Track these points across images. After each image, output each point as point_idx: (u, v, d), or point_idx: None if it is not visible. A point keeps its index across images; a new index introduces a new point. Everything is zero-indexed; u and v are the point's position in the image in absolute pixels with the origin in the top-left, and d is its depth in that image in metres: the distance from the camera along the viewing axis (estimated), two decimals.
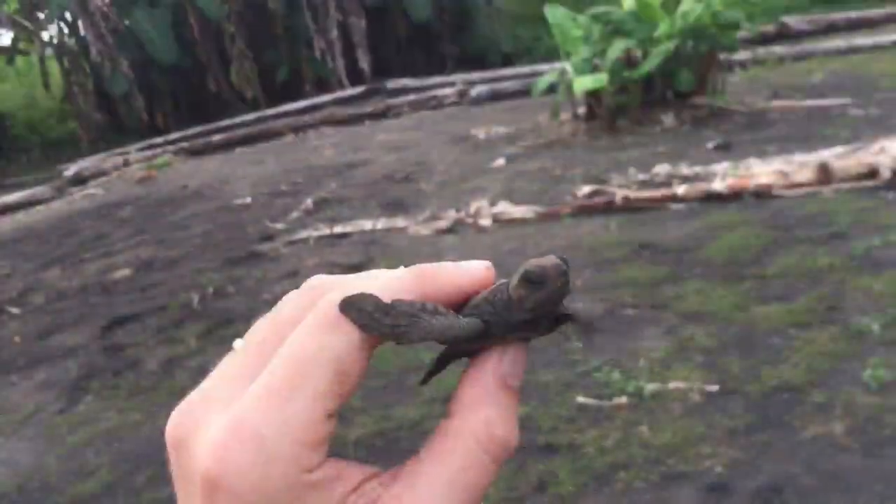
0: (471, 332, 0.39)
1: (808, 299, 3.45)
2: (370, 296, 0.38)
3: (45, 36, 17.28)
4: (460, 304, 0.42)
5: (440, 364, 0.47)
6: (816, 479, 2.34)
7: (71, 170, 12.46)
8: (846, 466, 2.37)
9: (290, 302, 0.41)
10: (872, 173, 4.81)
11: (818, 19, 12.74)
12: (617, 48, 7.50)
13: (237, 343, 0.41)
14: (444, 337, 0.39)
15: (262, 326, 0.41)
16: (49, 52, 17.08)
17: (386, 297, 0.39)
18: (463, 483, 0.38)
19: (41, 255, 7.52)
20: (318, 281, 0.42)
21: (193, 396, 0.39)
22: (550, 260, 0.38)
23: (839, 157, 5.25)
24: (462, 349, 0.43)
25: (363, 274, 0.42)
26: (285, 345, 0.38)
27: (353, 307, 0.38)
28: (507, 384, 0.40)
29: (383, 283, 0.40)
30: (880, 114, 6.61)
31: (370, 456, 2.83)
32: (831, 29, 12.34)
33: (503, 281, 0.41)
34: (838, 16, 12.70)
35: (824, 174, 4.92)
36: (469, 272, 0.42)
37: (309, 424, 0.36)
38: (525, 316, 0.39)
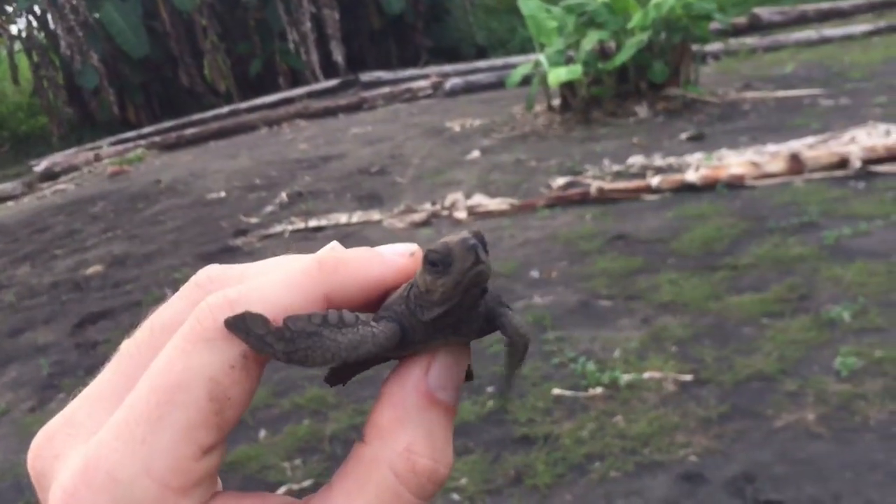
0: (386, 344, 0.33)
1: (780, 289, 3.48)
2: (258, 317, 0.31)
3: (14, 30, 17.02)
4: (379, 300, 0.35)
5: (355, 365, 0.39)
6: (789, 467, 2.36)
7: (41, 165, 12.29)
8: (818, 454, 2.39)
9: (172, 303, 0.34)
10: (843, 163, 4.86)
11: (789, 10, 12.83)
12: (591, 40, 7.51)
13: (124, 345, 0.34)
14: (355, 355, 0.32)
15: (139, 334, 0.34)
16: (18, 45, 16.83)
17: (281, 300, 0.32)
18: None
19: (11, 251, 7.42)
20: (206, 276, 0.35)
21: (55, 422, 0.33)
22: (457, 237, 0.32)
23: (810, 147, 5.30)
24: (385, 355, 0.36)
25: (259, 265, 0.35)
26: (154, 363, 0.31)
27: (240, 328, 0.31)
28: (435, 399, 0.33)
29: (279, 281, 0.33)
30: (850, 104, 6.68)
31: (346, 452, 2.82)
32: (802, 20, 12.44)
33: None
34: (809, 7, 12.80)
35: (796, 164, 4.96)
36: (384, 262, 0.35)
37: (177, 464, 0.30)
38: (438, 311, 0.33)
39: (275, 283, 0.33)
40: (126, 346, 0.34)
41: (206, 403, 0.30)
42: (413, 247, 0.36)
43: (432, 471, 0.33)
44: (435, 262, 0.32)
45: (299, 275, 0.33)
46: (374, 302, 0.35)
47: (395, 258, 0.35)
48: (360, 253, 0.35)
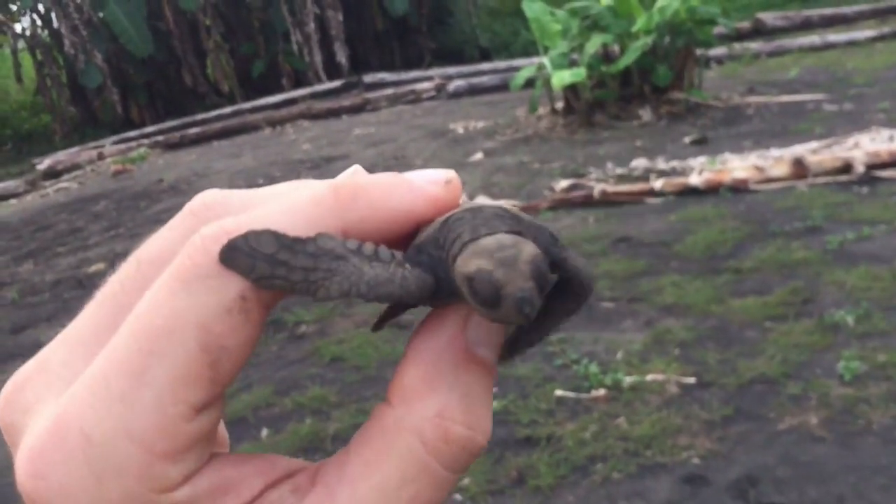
0: (416, 293, 0.27)
1: (784, 292, 3.48)
2: (265, 233, 0.26)
3: (18, 28, 17.05)
4: (406, 237, 0.30)
5: (397, 308, 0.34)
6: (792, 470, 2.35)
7: (44, 163, 12.29)
8: (821, 457, 2.39)
9: (162, 234, 0.30)
10: (846, 168, 4.86)
11: (793, 16, 12.83)
12: (595, 43, 7.51)
13: (109, 282, 0.30)
14: (374, 294, 0.27)
15: (124, 269, 0.29)
16: (21, 44, 16.85)
17: (292, 229, 0.27)
18: (401, 499, 0.28)
19: (14, 249, 7.42)
20: (201, 202, 0.30)
21: (27, 369, 0.29)
22: (514, 276, 0.25)
23: (814, 151, 5.30)
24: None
25: (264, 191, 0.30)
26: (137, 306, 0.27)
27: (240, 257, 0.26)
28: (474, 357, 0.29)
29: (286, 211, 0.28)
30: (854, 109, 6.68)
31: None
32: (806, 25, 12.44)
33: (469, 205, 0.29)
34: (813, 12, 12.80)
35: (799, 169, 4.96)
36: (413, 191, 0.29)
37: (163, 424, 0.25)
38: None
39: (281, 212, 0.28)
40: (110, 282, 0.29)
41: (197, 354, 0.25)
42: (449, 174, 0.30)
43: (467, 439, 0.28)
44: (477, 293, 0.26)
45: (310, 204, 0.28)
46: (401, 239, 0.30)
47: (427, 187, 0.29)
48: (385, 179, 0.29)
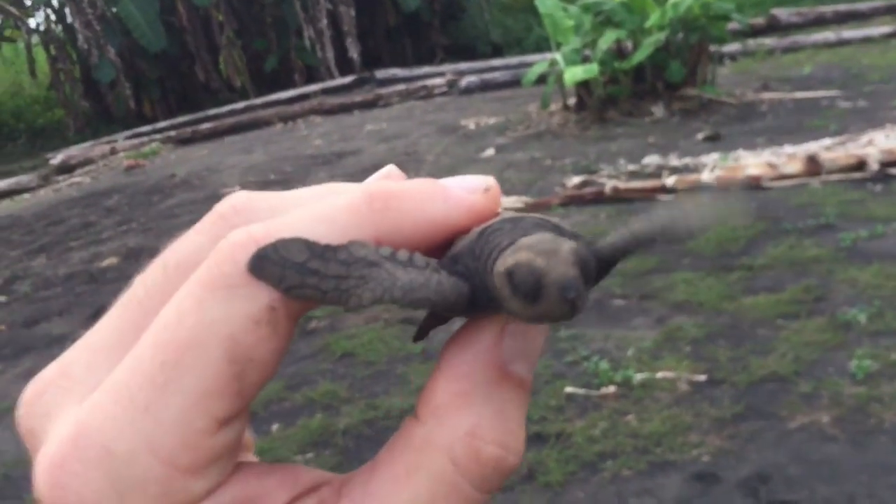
0: (450, 298, 0.26)
1: (796, 290, 3.46)
2: (295, 241, 0.25)
3: (32, 23, 17.14)
4: (442, 246, 0.29)
5: (431, 318, 0.33)
6: (803, 469, 2.35)
7: (57, 158, 12.34)
8: (833, 456, 2.38)
9: (190, 237, 0.28)
10: (860, 165, 4.83)
11: (807, 12, 12.75)
12: (608, 39, 7.48)
13: (135, 284, 0.29)
14: (409, 299, 0.26)
15: (150, 273, 0.28)
16: (35, 39, 16.94)
17: (324, 238, 0.26)
18: None
19: (27, 243, 7.46)
20: (231, 206, 0.28)
21: (48, 372, 0.28)
22: (557, 264, 0.25)
23: (828, 149, 5.27)
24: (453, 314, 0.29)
25: (296, 195, 0.29)
26: (161, 313, 0.26)
27: (270, 266, 0.25)
28: (509, 373, 0.28)
29: (317, 218, 0.27)
30: (868, 106, 6.63)
31: (358, 445, 2.83)
32: (820, 21, 12.35)
33: (509, 215, 0.28)
34: (827, 8, 12.71)
35: (813, 166, 4.93)
36: (450, 199, 0.28)
37: (186, 438, 0.25)
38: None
39: (312, 219, 0.27)
40: (135, 286, 0.28)
41: (223, 366, 0.25)
42: (488, 181, 0.29)
43: (499, 460, 0.27)
44: (518, 288, 0.25)
45: (343, 211, 0.27)
46: (436, 249, 0.29)
47: (465, 195, 0.29)
48: (421, 186, 0.28)
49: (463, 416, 0.27)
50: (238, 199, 0.29)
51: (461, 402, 0.27)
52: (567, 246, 0.25)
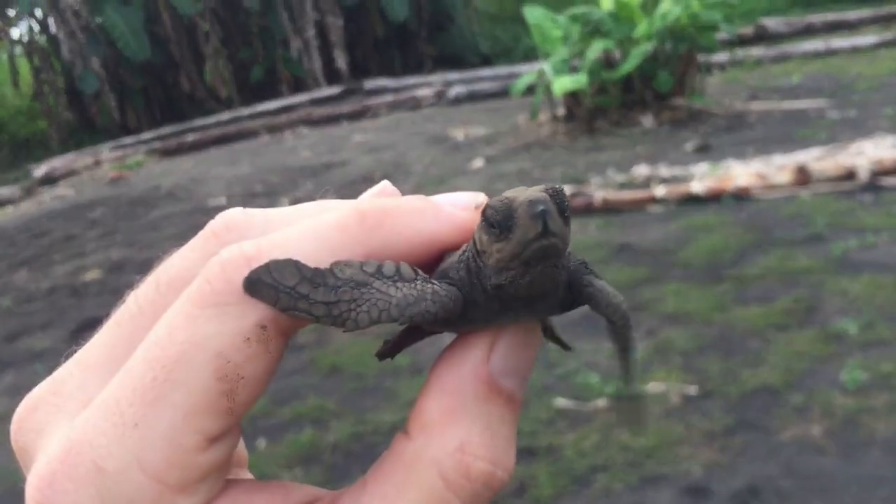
0: (448, 306, 0.26)
1: (787, 301, 3.45)
2: (287, 263, 0.25)
3: (15, 33, 17.05)
4: (433, 262, 0.29)
5: (408, 336, 0.33)
6: (794, 481, 2.33)
7: (41, 170, 12.25)
8: (824, 468, 2.37)
9: (183, 254, 0.29)
10: (850, 175, 4.83)
11: (796, 21, 12.83)
12: (596, 49, 7.49)
13: (127, 301, 0.29)
14: (407, 315, 0.26)
15: (143, 290, 0.28)
16: (18, 49, 16.84)
17: (310, 260, 0.26)
18: None
19: (9, 256, 7.39)
20: (223, 223, 0.29)
21: (41, 389, 0.29)
22: (526, 194, 0.25)
23: (817, 159, 5.27)
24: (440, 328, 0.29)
25: (287, 212, 0.29)
26: (153, 330, 0.26)
27: (263, 286, 0.25)
28: (499, 388, 0.28)
29: (309, 235, 0.27)
30: (857, 116, 6.66)
31: (347, 461, 2.79)
32: (809, 31, 12.43)
33: None
34: (816, 18, 12.79)
35: (802, 176, 4.93)
36: (440, 216, 0.29)
37: (175, 455, 0.25)
38: (500, 280, 0.26)
39: (303, 237, 0.27)
40: (128, 303, 0.28)
41: (212, 384, 0.25)
42: (478, 197, 0.29)
43: (489, 475, 0.27)
44: (492, 222, 0.25)
45: (334, 229, 0.27)
46: (427, 264, 0.29)
47: (455, 212, 0.29)
48: (412, 204, 0.29)
49: (452, 432, 0.27)
50: (231, 216, 0.29)
51: (450, 417, 0.27)
52: (539, 187, 0.26)
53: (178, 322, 0.25)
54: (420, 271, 0.27)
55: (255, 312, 0.25)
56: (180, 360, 0.25)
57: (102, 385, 0.27)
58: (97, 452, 0.25)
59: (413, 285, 0.26)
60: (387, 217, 0.28)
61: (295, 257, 0.26)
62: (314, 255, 0.26)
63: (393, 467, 0.27)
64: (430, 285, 0.26)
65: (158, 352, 0.25)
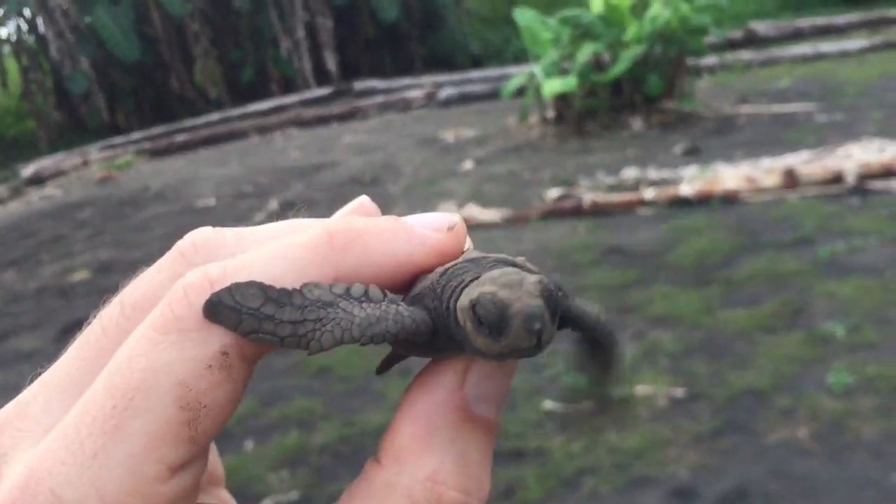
0: (411, 328, 0.26)
1: (774, 304, 3.47)
2: (250, 285, 0.25)
3: (3, 33, 16.97)
4: (405, 285, 0.28)
5: (395, 355, 0.33)
6: (781, 484, 2.34)
7: (29, 170, 12.17)
8: (811, 471, 2.37)
9: (150, 276, 0.28)
10: (838, 179, 4.86)
11: (785, 25, 12.88)
12: (586, 52, 7.51)
13: (92, 324, 0.28)
14: (369, 335, 0.25)
15: (108, 312, 0.28)
16: (7, 49, 16.75)
17: (276, 282, 0.25)
18: None
19: None
20: (191, 243, 0.28)
21: (7, 411, 0.28)
22: (520, 298, 0.24)
23: (805, 162, 5.30)
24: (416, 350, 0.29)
25: (257, 232, 0.29)
26: (115, 356, 0.25)
27: (224, 310, 0.24)
28: (473, 415, 0.27)
29: (276, 257, 0.26)
30: (845, 119, 6.69)
31: (334, 464, 2.78)
32: (798, 35, 12.48)
33: (471, 255, 0.28)
34: (804, 22, 12.85)
35: (791, 179, 4.95)
36: (413, 238, 0.28)
37: (136, 486, 0.24)
38: (476, 348, 0.26)
39: (271, 259, 0.26)
40: (93, 325, 0.28)
41: (174, 412, 0.24)
42: (453, 219, 0.28)
43: None
44: (482, 321, 0.24)
45: (303, 249, 0.26)
46: (401, 287, 0.28)
47: (428, 234, 0.28)
48: (383, 224, 0.28)
49: (424, 461, 0.26)
50: (199, 236, 0.29)
51: (422, 445, 0.26)
52: (532, 278, 0.25)
53: (139, 348, 0.25)
54: (389, 293, 0.26)
55: (217, 338, 0.25)
56: (140, 387, 0.24)
57: (66, 409, 0.26)
58: (56, 481, 0.24)
59: (378, 306, 0.26)
60: (357, 238, 0.27)
61: (262, 279, 0.25)
62: (282, 277, 0.26)
63: (364, 496, 0.27)
64: (394, 306, 0.26)
65: (118, 379, 0.25)
